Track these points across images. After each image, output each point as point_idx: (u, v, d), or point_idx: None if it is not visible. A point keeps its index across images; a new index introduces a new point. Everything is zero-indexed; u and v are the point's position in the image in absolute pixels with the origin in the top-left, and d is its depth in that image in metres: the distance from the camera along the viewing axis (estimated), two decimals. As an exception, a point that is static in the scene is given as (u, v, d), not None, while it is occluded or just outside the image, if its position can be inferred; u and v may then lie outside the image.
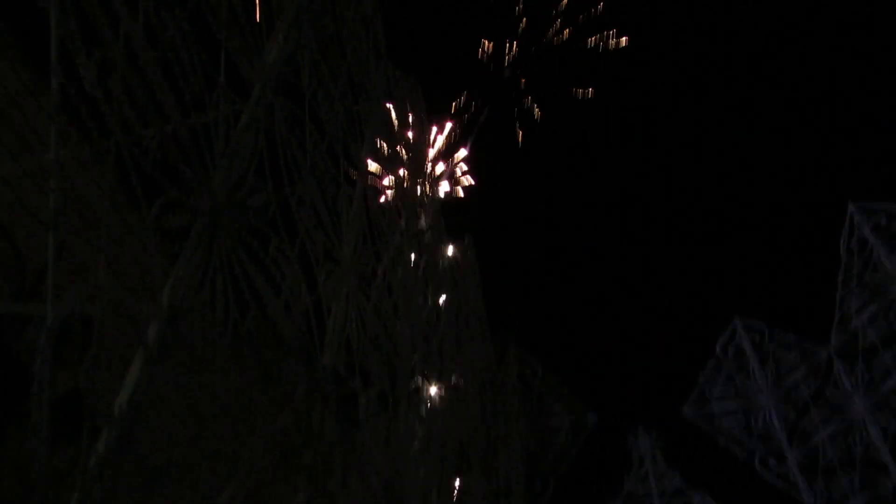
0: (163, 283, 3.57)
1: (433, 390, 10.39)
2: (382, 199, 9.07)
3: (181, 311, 3.56)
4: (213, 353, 3.89)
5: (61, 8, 3.00)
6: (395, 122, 10.56)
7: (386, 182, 9.57)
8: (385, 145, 9.61)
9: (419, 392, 9.70)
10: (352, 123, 7.86)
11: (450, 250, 13.38)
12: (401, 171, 10.29)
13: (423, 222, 11.18)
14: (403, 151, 10.70)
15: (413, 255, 9.91)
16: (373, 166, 8.80)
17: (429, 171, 13.36)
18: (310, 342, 5.59)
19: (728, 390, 20.19)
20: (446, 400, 10.82)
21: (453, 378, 11.52)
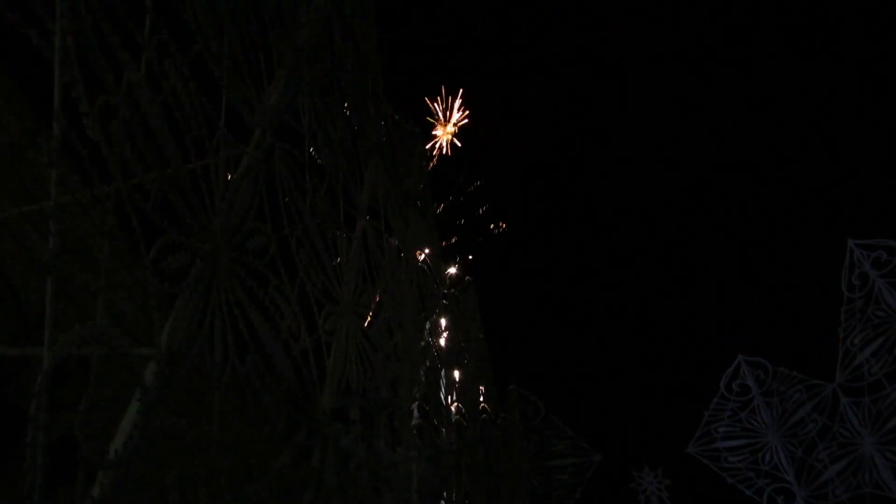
0: (161, 325, 3.59)
1: (435, 429, 10.32)
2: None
3: (179, 354, 3.57)
4: (210, 395, 3.89)
5: (65, 56, 3.07)
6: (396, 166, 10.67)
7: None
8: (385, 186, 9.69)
9: (421, 432, 9.63)
10: (351, 166, 7.95)
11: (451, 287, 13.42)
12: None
13: (423, 261, 11.24)
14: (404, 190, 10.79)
15: (415, 297, 9.92)
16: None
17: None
18: (310, 383, 5.57)
19: (734, 428, 20.04)
20: (449, 439, 10.74)
21: (455, 418, 11.44)
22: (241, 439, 4.15)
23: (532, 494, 20.73)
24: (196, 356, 3.77)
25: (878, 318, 17.82)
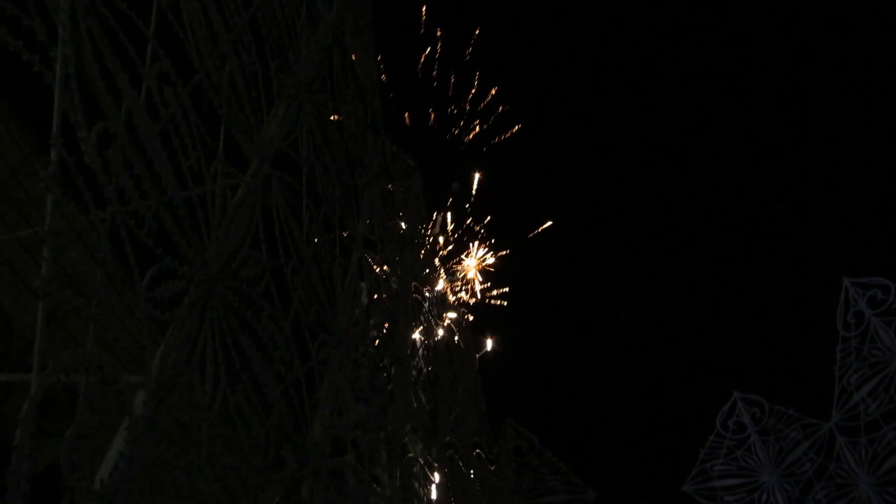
0: (152, 353, 3.55)
1: (428, 464, 10.20)
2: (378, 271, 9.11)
3: (170, 382, 3.53)
4: (200, 424, 3.84)
5: (65, 82, 3.09)
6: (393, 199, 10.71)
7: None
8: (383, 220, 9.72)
9: (413, 466, 9.52)
10: (348, 196, 7.97)
11: (446, 322, 13.38)
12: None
13: (420, 296, 11.21)
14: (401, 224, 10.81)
15: (410, 329, 9.89)
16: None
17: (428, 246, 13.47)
18: (301, 414, 5.52)
19: (729, 466, 19.84)
20: (442, 474, 10.61)
21: (449, 452, 11.32)
22: (230, 470, 4.09)
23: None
24: (186, 385, 3.73)
25: (873, 356, 17.78)
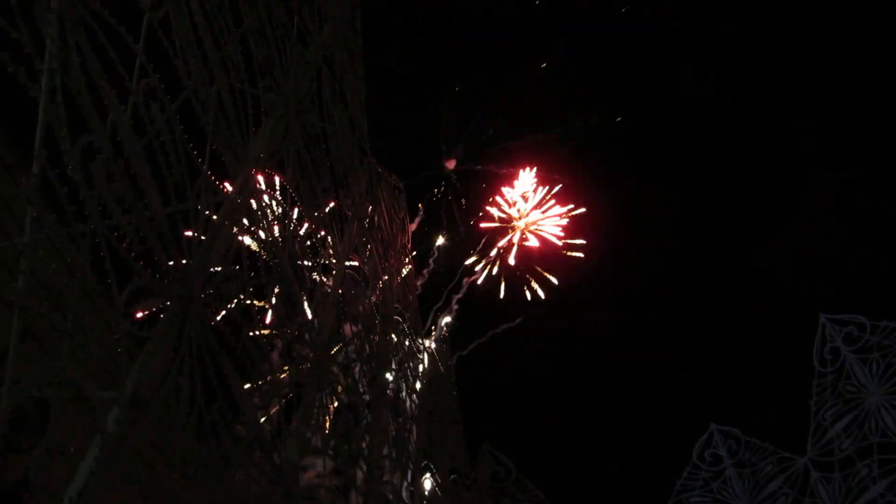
0: (128, 370, 3.52)
1: (405, 489, 10.11)
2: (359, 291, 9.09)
3: (143, 399, 3.49)
4: (173, 443, 3.79)
5: (51, 94, 3.08)
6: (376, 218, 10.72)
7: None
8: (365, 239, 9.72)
9: (392, 489, 9.43)
10: (333, 216, 7.97)
11: (427, 345, 13.35)
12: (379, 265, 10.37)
13: (399, 316, 11.18)
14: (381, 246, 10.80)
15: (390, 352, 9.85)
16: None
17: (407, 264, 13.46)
18: (274, 433, 5.47)
19: (705, 498, 19.83)
20: (419, 498, 10.51)
21: (426, 476, 11.23)
22: (203, 491, 4.03)
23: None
24: (162, 403, 3.69)
25: (848, 392, 17.93)
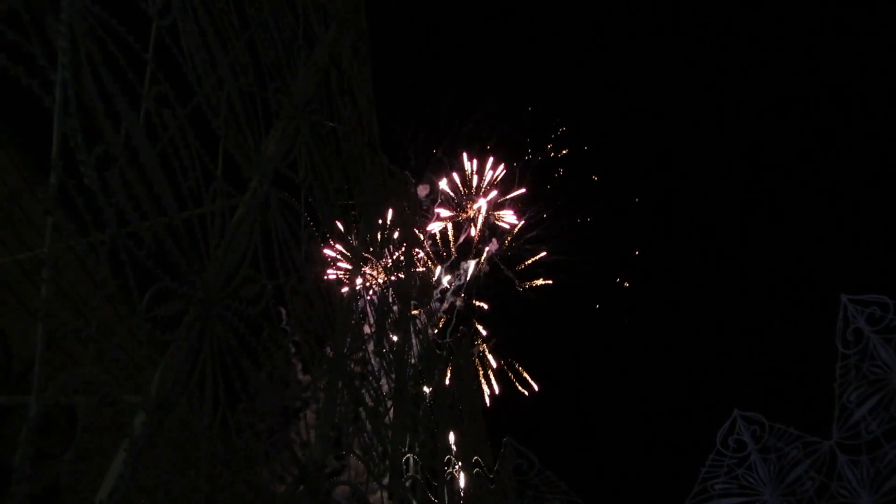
0: (151, 374, 3.56)
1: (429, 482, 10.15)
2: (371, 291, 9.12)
3: (168, 402, 3.53)
4: (199, 445, 3.83)
5: (64, 105, 3.12)
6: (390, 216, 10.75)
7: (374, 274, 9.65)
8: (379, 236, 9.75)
9: (414, 485, 9.48)
10: (346, 217, 8.00)
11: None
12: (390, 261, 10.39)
13: (417, 313, 11.20)
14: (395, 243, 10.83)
15: (407, 345, 9.87)
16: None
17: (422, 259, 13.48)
18: (299, 434, 5.51)
19: (730, 484, 19.73)
20: (443, 493, 10.54)
21: (448, 470, 11.26)
22: (229, 492, 4.08)
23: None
24: (186, 405, 3.73)
25: (873, 374, 17.75)
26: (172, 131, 4.07)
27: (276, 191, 5.67)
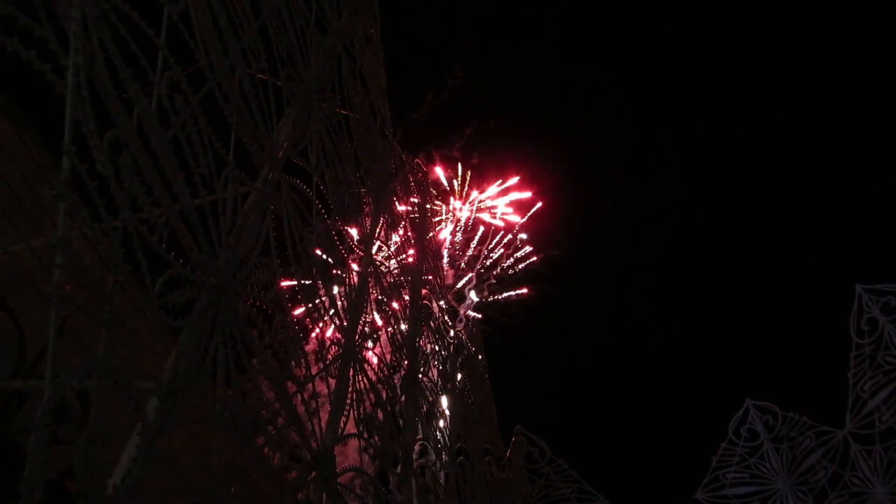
0: (164, 359, 3.57)
1: (439, 470, 10.19)
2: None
3: (181, 388, 3.54)
4: (211, 430, 3.85)
5: (77, 90, 3.11)
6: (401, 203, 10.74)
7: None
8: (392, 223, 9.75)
9: (425, 472, 9.51)
10: (357, 203, 7.99)
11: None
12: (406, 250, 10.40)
13: (431, 302, 11.22)
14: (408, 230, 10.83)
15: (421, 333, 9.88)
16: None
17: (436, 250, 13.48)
18: (312, 421, 5.52)
19: (742, 474, 19.69)
20: (453, 480, 10.57)
21: (460, 459, 11.29)
22: (242, 475, 4.10)
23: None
24: (198, 391, 3.75)
25: (888, 364, 17.63)
26: (184, 117, 4.07)
27: (287, 177, 5.67)
